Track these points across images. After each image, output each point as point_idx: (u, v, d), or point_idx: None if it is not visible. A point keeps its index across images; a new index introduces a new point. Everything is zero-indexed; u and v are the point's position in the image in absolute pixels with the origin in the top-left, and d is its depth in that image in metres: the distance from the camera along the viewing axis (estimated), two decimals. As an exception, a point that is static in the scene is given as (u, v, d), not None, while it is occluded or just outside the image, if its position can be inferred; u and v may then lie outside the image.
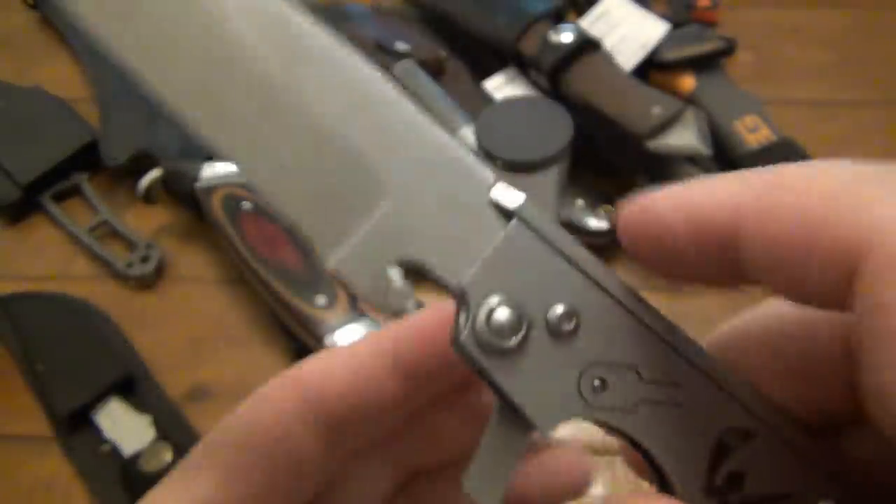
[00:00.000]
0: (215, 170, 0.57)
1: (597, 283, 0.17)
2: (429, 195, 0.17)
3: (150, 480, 0.47)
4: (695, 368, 0.17)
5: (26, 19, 0.79)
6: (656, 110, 0.54)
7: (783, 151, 0.59)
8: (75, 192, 0.64)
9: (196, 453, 0.20)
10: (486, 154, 0.50)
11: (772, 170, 0.16)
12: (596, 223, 0.57)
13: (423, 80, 0.62)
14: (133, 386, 0.53)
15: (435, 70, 0.65)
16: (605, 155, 0.60)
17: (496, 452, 0.17)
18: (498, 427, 0.17)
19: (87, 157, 0.65)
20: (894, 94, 0.68)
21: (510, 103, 0.55)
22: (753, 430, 0.17)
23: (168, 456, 0.48)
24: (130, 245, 0.60)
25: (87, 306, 0.57)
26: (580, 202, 0.58)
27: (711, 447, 0.17)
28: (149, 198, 0.60)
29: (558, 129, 0.50)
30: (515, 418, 0.17)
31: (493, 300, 0.16)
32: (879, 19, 0.74)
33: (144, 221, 0.62)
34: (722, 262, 0.16)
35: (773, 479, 0.17)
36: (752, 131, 0.60)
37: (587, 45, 0.59)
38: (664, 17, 0.65)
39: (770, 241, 0.15)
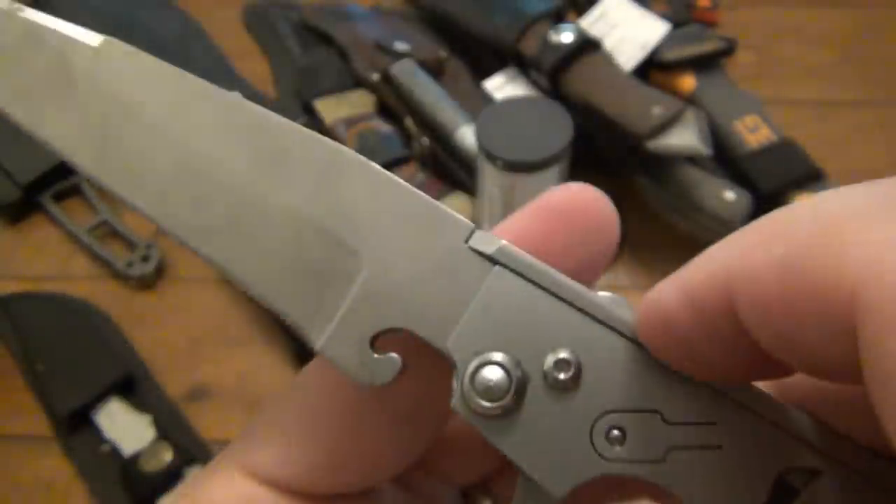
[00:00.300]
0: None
1: (597, 320, 0.15)
2: (405, 257, 0.16)
3: (150, 480, 0.47)
4: (732, 402, 0.15)
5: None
6: (656, 110, 0.54)
7: (783, 151, 0.59)
8: (75, 192, 0.64)
9: (257, 421, 0.18)
10: (487, 154, 0.50)
11: (761, 219, 0.13)
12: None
13: (423, 80, 0.62)
14: (133, 386, 0.53)
15: (435, 70, 0.65)
16: (605, 155, 0.60)
17: None
18: (524, 488, 0.15)
19: (87, 157, 0.65)
20: (894, 94, 0.68)
21: (510, 103, 0.55)
22: (819, 468, 0.15)
23: (168, 456, 0.48)
24: (130, 245, 0.60)
25: (87, 306, 0.57)
26: (580, 202, 0.58)
27: (767, 492, 0.15)
28: (149, 198, 0.60)
29: (558, 129, 0.50)
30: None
31: (480, 359, 0.15)
32: (879, 19, 0.74)
33: (144, 221, 0.62)
34: (738, 345, 0.13)
35: None
36: (752, 131, 0.60)
37: (587, 45, 0.59)
38: (664, 17, 0.65)
39: (761, 305, 0.12)
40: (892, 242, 0.11)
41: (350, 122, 0.62)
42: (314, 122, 0.65)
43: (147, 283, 0.59)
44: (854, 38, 0.73)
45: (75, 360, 0.54)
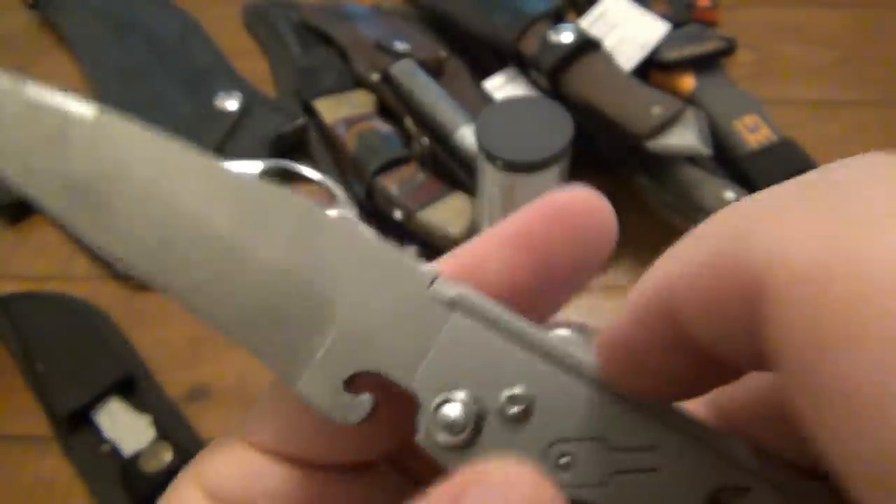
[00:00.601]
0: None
1: (549, 358, 0.17)
2: (375, 306, 0.17)
3: (150, 480, 0.47)
4: (669, 428, 0.16)
5: (26, 19, 0.79)
6: (656, 110, 0.54)
7: (783, 151, 0.59)
8: (75, 192, 0.64)
9: (259, 401, 0.20)
10: (487, 154, 0.50)
11: (706, 221, 0.13)
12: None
13: (423, 80, 0.62)
14: (133, 386, 0.53)
15: (435, 70, 0.65)
16: (605, 155, 0.60)
17: None
18: None
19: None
20: (894, 94, 0.68)
21: (510, 103, 0.55)
22: (748, 486, 0.16)
23: (168, 456, 0.48)
24: (130, 245, 0.60)
25: (87, 306, 0.57)
26: (580, 202, 0.58)
27: None
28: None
29: (558, 129, 0.50)
30: None
31: (441, 396, 0.17)
32: (879, 19, 0.74)
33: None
34: (685, 352, 0.14)
35: None
36: (752, 131, 0.60)
37: (587, 45, 0.59)
38: (664, 17, 0.65)
39: (693, 304, 0.12)
40: (795, 227, 0.11)
41: (350, 122, 0.62)
42: (314, 121, 0.65)
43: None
44: (854, 38, 0.73)
45: (75, 360, 0.54)
